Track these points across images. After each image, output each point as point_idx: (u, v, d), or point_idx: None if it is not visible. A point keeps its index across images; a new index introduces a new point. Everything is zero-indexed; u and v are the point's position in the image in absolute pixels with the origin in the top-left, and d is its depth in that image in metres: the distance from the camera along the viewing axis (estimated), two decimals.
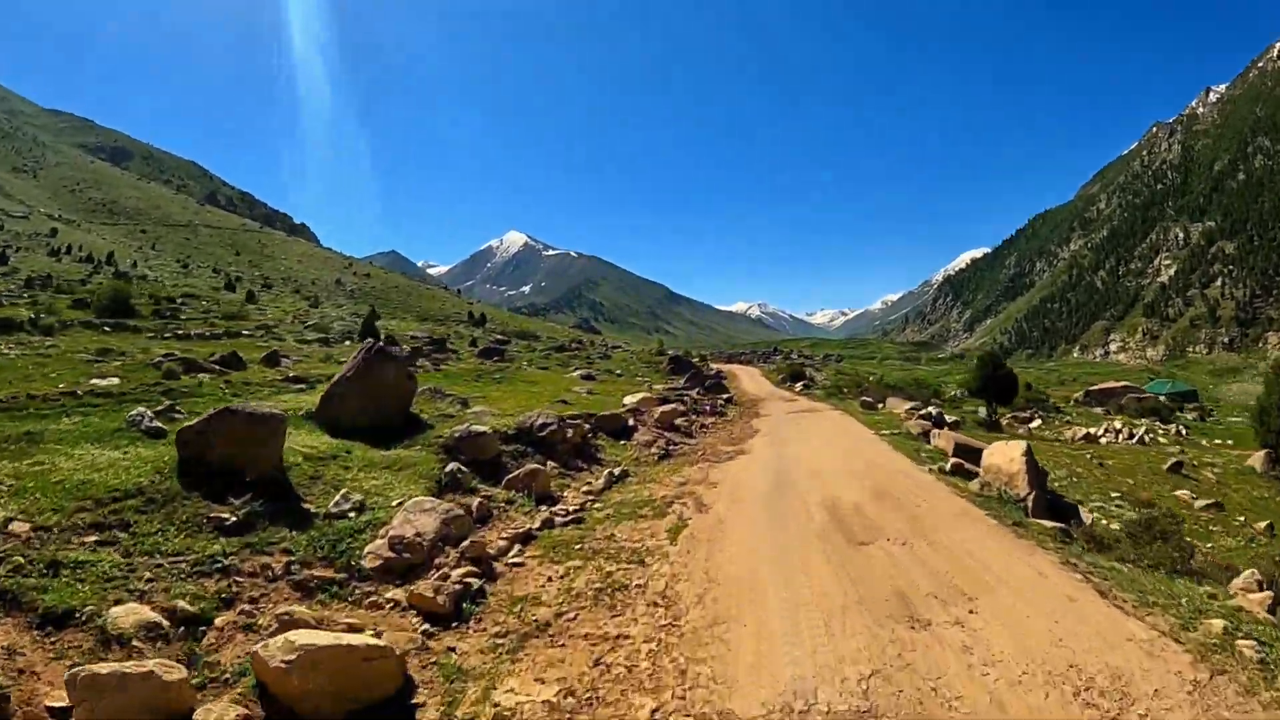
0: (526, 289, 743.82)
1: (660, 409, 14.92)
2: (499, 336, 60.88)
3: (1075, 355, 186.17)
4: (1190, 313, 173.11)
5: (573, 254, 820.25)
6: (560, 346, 56.40)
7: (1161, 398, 48.74)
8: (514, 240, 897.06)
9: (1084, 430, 21.09)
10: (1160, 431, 24.08)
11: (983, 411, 23.00)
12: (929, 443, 12.41)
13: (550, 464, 9.34)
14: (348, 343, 29.51)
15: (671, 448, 12.37)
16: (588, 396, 16.83)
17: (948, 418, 15.48)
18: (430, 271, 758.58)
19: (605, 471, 9.72)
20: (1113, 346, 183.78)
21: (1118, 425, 22.44)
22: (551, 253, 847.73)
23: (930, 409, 15.91)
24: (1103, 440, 20.96)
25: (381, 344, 9.41)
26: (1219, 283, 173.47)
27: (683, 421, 15.00)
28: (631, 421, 13.37)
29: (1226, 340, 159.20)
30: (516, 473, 8.17)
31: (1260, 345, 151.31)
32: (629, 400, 15.87)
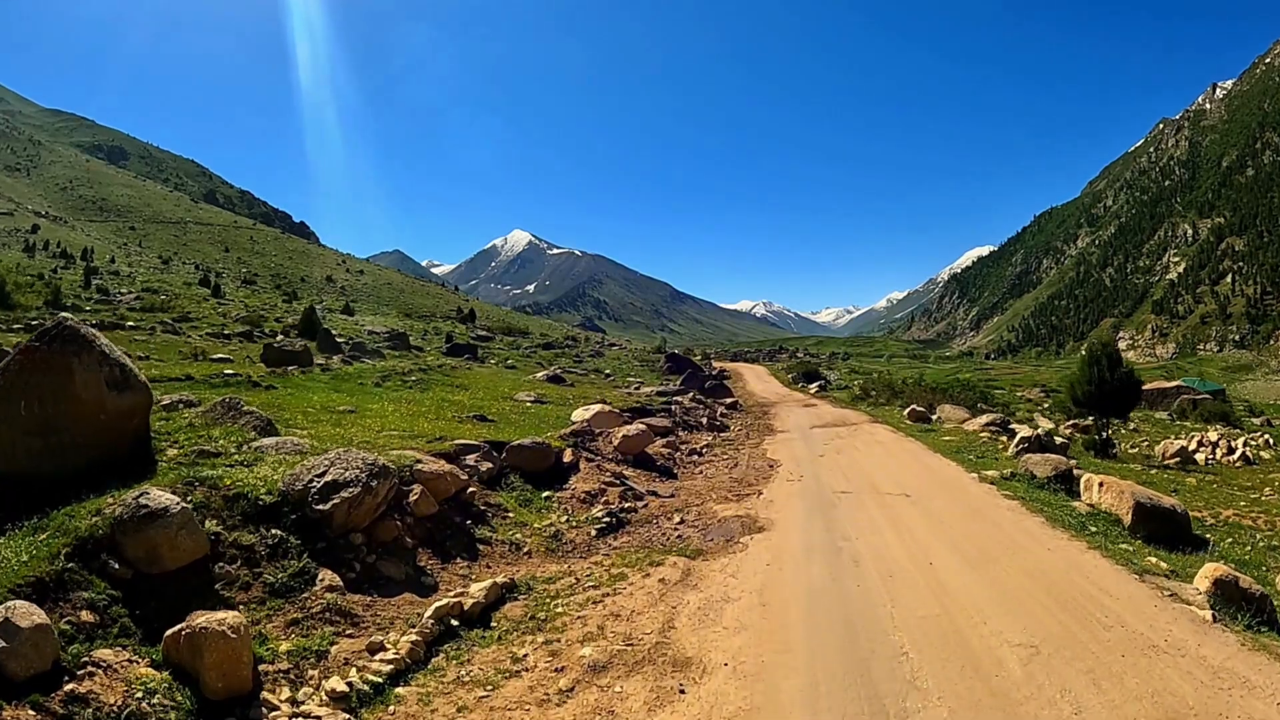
0: (531, 287, 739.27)
1: (624, 430, 9.56)
2: (482, 333, 56.74)
3: (1084, 353, 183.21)
4: (1200, 310, 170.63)
5: (577, 253, 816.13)
6: (549, 344, 52.09)
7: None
8: (518, 239, 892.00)
9: (1175, 444, 16.55)
10: (1258, 444, 19.62)
11: (1042, 421, 18.49)
12: (1074, 496, 7.51)
13: (325, 578, 4.41)
14: (280, 337, 25.02)
15: (628, 509, 7.44)
16: (532, 407, 12.15)
17: (1056, 439, 10.84)
18: (435, 271, 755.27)
19: (447, 603, 4.33)
20: (1122, 344, 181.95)
21: (1213, 437, 17.96)
22: (556, 251, 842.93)
23: (1031, 429, 11.19)
24: (1198, 457, 16.48)
25: (67, 326, 4.85)
26: (1229, 279, 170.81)
27: (661, 448, 10.17)
28: (569, 456, 8.26)
29: (1237, 337, 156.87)
30: (177, 629, 3.41)
31: (1272, 342, 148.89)
32: (578, 416, 10.54)
